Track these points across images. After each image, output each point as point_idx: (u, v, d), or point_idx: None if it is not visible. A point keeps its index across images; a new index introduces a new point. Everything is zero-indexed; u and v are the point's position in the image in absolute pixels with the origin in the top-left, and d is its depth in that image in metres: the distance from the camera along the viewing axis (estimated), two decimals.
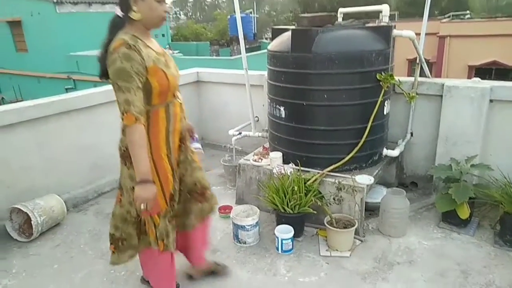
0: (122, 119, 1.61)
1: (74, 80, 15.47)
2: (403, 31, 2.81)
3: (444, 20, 15.97)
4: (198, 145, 2.15)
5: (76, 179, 3.31)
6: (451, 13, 19.19)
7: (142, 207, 1.64)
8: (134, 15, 1.65)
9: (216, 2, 50.09)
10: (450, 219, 2.71)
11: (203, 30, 29.63)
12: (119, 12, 1.68)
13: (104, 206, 3.24)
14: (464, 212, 2.60)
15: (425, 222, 2.83)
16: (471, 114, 2.86)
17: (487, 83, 2.88)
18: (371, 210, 2.90)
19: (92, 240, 2.79)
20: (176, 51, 14.67)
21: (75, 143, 3.25)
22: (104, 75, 1.70)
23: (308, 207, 2.58)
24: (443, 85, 2.96)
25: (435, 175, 2.89)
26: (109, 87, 3.69)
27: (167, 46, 17.17)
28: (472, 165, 2.74)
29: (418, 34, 3.06)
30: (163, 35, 20.30)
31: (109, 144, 3.63)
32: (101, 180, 3.46)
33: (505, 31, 13.17)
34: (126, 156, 1.75)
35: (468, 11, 23.55)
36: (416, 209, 2.98)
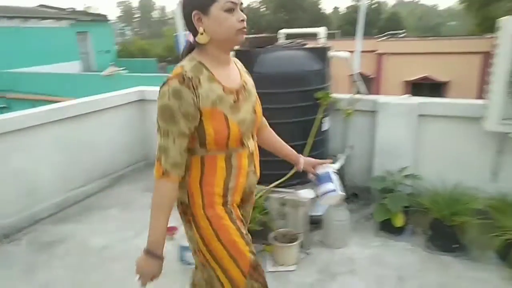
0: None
1: (8, 98, 14.47)
2: (339, 52, 3.01)
3: (381, 39, 17.12)
4: (330, 186, 1.57)
5: (8, 206, 3.08)
6: (388, 32, 20.65)
7: (136, 278, 1.34)
8: (199, 39, 1.30)
9: (163, 19, 49.70)
10: (387, 227, 2.88)
11: (150, 46, 29.25)
12: (191, 38, 1.36)
13: (41, 234, 3.02)
14: (399, 220, 2.78)
15: (365, 232, 2.97)
16: (402, 128, 3.08)
17: (415, 100, 3.13)
18: (316, 223, 2.99)
19: (25, 274, 2.60)
20: (122, 68, 14.28)
21: (7, 168, 3.04)
22: None
23: (255, 223, 2.61)
24: (375, 101, 3.17)
25: (372, 186, 3.07)
26: (45, 107, 3.58)
27: (112, 63, 16.64)
28: (405, 176, 2.95)
29: None
30: (107, 51, 19.72)
31: (45, 168, 3.49)
32: (37, 206, 3.23)
33: (434, 49, 14.40)
34: (180, 212, 1.44)
35: (403, 30, 25.50)
36: (357, 219, 3.13)
